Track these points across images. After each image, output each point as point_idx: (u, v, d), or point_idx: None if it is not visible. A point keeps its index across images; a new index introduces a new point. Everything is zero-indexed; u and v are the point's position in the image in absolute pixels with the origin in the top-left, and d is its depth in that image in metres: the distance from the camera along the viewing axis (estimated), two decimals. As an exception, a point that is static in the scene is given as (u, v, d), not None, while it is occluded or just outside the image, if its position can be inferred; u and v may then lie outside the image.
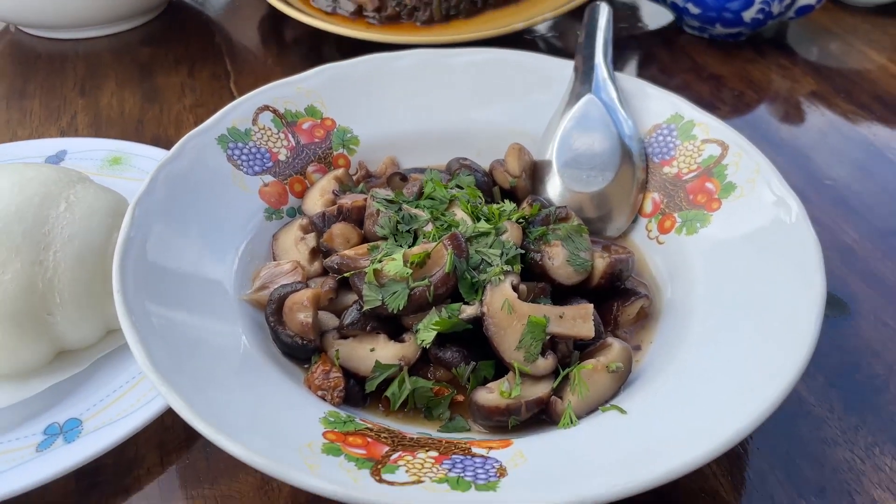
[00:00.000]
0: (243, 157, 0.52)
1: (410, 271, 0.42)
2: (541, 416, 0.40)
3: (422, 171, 0.55)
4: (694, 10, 0.79)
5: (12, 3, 0.72)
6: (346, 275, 0.43)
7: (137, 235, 0.43)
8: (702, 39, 0.83)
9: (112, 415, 0.41)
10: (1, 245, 0.43)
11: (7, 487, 0.38)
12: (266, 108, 0.55)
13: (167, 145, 0.62)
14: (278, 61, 0.76)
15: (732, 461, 0.42)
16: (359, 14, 0.69)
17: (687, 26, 0.84)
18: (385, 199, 0.48)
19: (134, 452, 0.42)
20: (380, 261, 0.44)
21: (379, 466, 0.34)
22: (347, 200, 0.51)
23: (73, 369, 0.44)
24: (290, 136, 0.55)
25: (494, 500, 0.32)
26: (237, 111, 0.54)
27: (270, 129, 0.55)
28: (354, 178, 0.56)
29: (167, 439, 0.42)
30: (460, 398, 0.42)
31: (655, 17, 0.85)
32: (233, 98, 0.71)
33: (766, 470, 0.41)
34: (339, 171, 0.55)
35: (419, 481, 0.33)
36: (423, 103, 0.59)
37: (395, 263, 0.42)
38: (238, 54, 0.78)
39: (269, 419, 0.37)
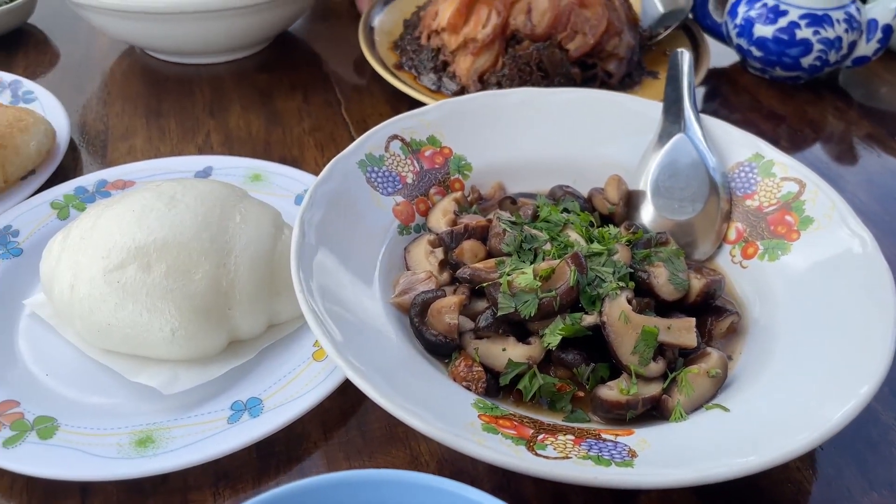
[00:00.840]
0: (379, 180, 0.60)
1: (539, 284, 0.49)
2: (651, 413, 0.48)
3: (528, 195, 0.63)
4: (756, 53, 0.87)
5: (146, 32, 0.80)
6: (483, 285, 0.51)
7: (307, 243, 0.51)
8: (763, 80, 0.90)
9: (287, 395, 0.49)
10: (193, 250, 0.51)
11: (206, 453, 0.45)
12: (395, 137, 0.63)
13: (295, 164, 0.71)
14: (382, 90, 0.84)
15: (811, 457, 0.49)
16: (461, 93, 0.78)
17: (750, 67, 0.91)
18: (509, 221, 0.55)
19: (301, 428, 0.49)
20: (509, 274, 0.51)
21: (531, 444, 0.42)
22: (468, 220, 0.59)
23: (245, 356, 0.52)
24: (415, 161, 0.63)
25: (634, 474, 0.39)
26: (372, 139, 0.62)
27: (399, 156, 0.62)
28: (468, 199, 0.63)
29: (327, 419, 0.50)
30: (580, 394, 0.49)
31: (721, 56, 0.92)
32: (345, 124, 0.79)
33: (842, 465, 0.48)
34: (457, 194, 0.63)
35: (567, 457, 0.41)
36: (527, 135, 0.67)
37: (525, 276, 0.50)
38: (345, 83, 0.86)
39: (434, 401, 0.44)
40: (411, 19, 0.89)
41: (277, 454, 0.48)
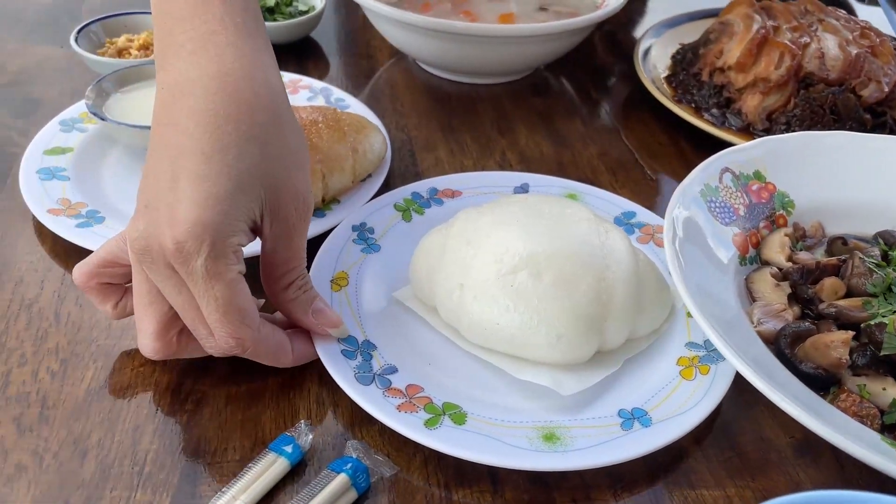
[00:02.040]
0: (717, 210, 0.63)
1: (921, 327, 0.51)
2: None
3: (856, 238, 0.64)
4: None
5: (437, 54, 0.85)
6: (863, 324, 0.53)
7: (681, 261, 0.54)
8: None
9: (670, 409, 0.51)
10: (578, 262, 0.54)
11: (612, 456, 0.48)
12: (727, 169, 0.65)
13: (591, 185, 0.74)
14: (656, 120, 0.87)
15: None
16: (746, 130, 0.80)
17: None
18: (874, 262, 0.57)
19: (677, 441, 0.51)
20: (883, 315, 0.53)
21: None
22: (805, 257, 0.61)
23: (613, 366, 0.55)
24: (744, 195, 0.65)
25: None
26: (707, 171, 0.64)
27: (731, 188, 0.65)
28: (795, 236, 0.65)
29: (699, 434, 0.52)
30: (965, 439, 0.50)
31: None
32: (629, 150, 0.82)
33: None
34: (787, 230, 0.64)
35: None
36: (845, 177, 0.68)
37: (907, 318, 0.51)
38: (618, 111, 0.89)
39: (852, 430, 0.46)
40: (681, 55, 0.92)
41: (661, 465, 0.50)
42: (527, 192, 0.71)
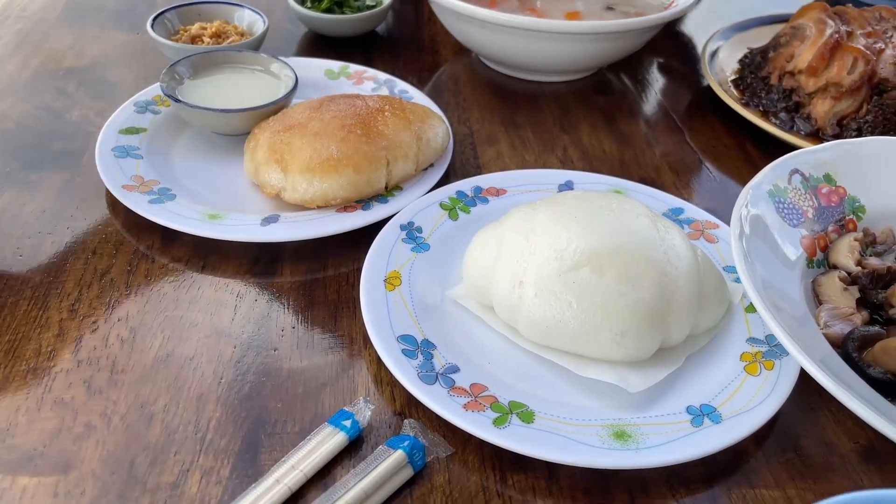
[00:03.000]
0: (785, 211, 0.62)
1: None
2: None
3: (930, 246, 0.62)
4: None
5: (502, 49, 0.85)
6: (938, 329, 0.51)
7: (748, 258, 0.53)
8: None
9: (737, 405, 0.50)
10: (641, 258, 0.54)
11: (685, 453, 0.47)
12: (796, 171, 0.64)
13: (653, 185, 0.73)
14: (721, 122, 0.86)
15: None
16: (815, 135, 0.79)
17: None
18: (950, 270, 0.55)
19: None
20: (960, 322, 0.51)
21: None
22: (874, 262, 0.60)
23: (675, 363, 0.55)
24: (813, 197, 0.64)
25: None
26: (776, 171, 0.63)
27: (800, 190, 0.63)
28: (864, 241, 0.63)
29: (759, 433, 0.51)
30: None
31: None
32: (693, 152, 0.81)
33: None
34: (859, 235, 0.63)
35: None
36: (919, 185, 0.66)
37: None
38: (681, 113, 0.88)
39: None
40: (749, 59, 0.90)
41: (719, 462, 0.50)
42: (571, 188, 0.71)
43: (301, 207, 0.66)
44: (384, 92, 0.82)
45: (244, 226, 0.64)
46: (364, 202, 0.67)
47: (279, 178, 0.67)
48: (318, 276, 0.63)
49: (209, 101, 0.75)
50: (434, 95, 0.87)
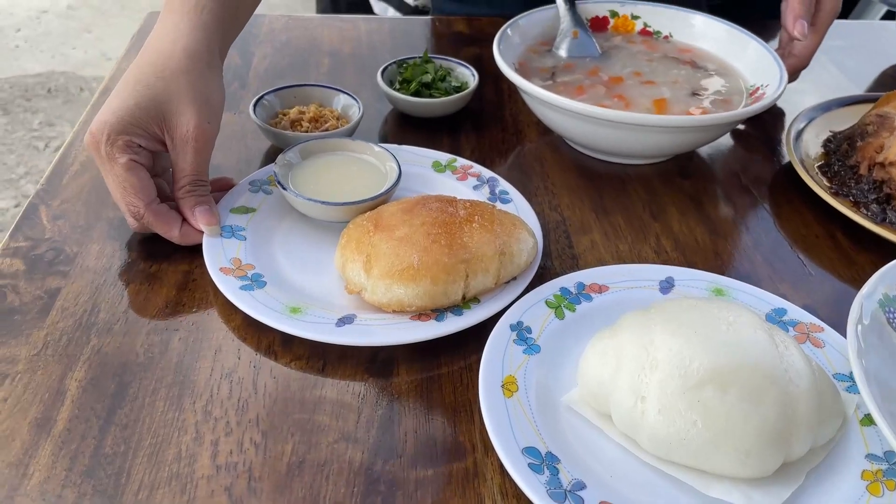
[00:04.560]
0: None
1: None
2: None
3: None
4: None
5: (590, 136, 0.88)
6: None
7: (866, 375, 0.54)
8: None
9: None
10: (762, 374, 0.55)
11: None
12: (903, 281, 0.65)
13: (748, 280, 0.74)
14: (809, 208, 0.87)
15: None
16: None
17: None
18: None
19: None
20: None
21: None
22: None
23: (797, 479, 0.56)
24: (920, 306, 0.65)
25: None
26: (885, 279, 0.64)
27: (907, 300, 0.64)
28: (973, 350, 0.64)
29: (886, 559, 0.52)
30: None
31: None
32: (784, 241, 0.82)
33: None
34: (967, 344, 0.63)
35: None
36: None
37: None
38: (767, 197, 0.89)
39: None
40: (834, 144, 0.92)
41: (849, 587, 0.51)
42: (672, 285, 0.72)
43: (379, 309, 0.69)
44: (485, 191, 0.83)
45: (320, 324, 0.66)
46: (439, 311, 0.69)
47: (362, 278, 0.69)
48: (433, 373, 0.66)
49: (316, 186, 0.79)
50: (523, 180, 0.90)
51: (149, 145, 0.73)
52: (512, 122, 1.01)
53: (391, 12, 2.05)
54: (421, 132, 0.98)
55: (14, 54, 3.88)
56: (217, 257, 0.73)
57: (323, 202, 0.76)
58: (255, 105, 0.91)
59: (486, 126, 1.00)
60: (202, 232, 0.75)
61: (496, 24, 1.23)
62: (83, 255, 0.75)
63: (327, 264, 0.75)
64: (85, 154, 0.88)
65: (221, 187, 0.84)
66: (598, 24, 1.06)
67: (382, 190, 0.78)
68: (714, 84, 0.95)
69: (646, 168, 0.93)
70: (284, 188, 0.77)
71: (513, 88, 1.03)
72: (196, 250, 0.75)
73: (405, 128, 0.99)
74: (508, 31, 0.97)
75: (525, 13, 1.01)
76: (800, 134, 0.94)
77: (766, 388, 0.55)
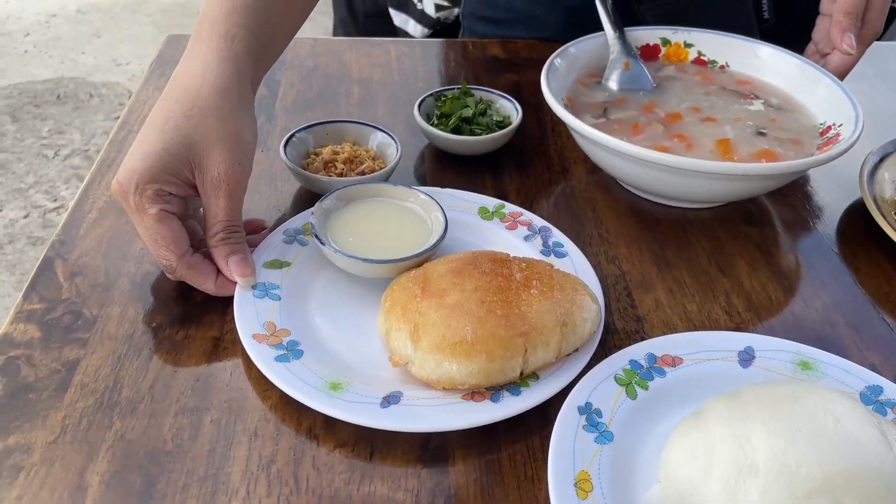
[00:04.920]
0: None
1: None
2: None
3: None
4: None
5: (647, 181, 0.81)
6: None
7: None
8: None
9: None
10: (880, 482, 0.48)
11: None
12: None
13: (834, 350, 0.67)
14: (890, 264, 0.80)
15: None
16: None
17: None
18: None
19: None
20: None
21: None
22: None
23: None
24: None
25: None
26: None
27: None
28: None
29: None
30: None
31: None
32: (866, 301, 0.75)
33: None
34: None
35: None
36: None
37: None
38: (843, 250, 0.82)
39: None
40: (913, 186, 0.85)
41: None
42: (752, 357, 0.65)
43: (427, 385, 0.62)
44: (537, 242, 0.76)
45: (364, 404, 0.60)
46: (494, 390, 0.62)
47: (409, 350, 0.63)
48: (493, 459, 0.59)
49: (356, 239, 0.73)
50: (575, 226, 0.83)
51: (180, 192, 0.68)
52: (557, 158, 0.95)
53: (412, 24, 1.98)
54: (461, 170, 0.91)
55: (23, 60, 3.83)
56: (250, 322, 0.66)
57: (364, 259, 0.70)
58: (285, 144, 0.85)
59: (531, 162, 0.93)
60: (234, 285, 0.70)
61: (532, 47, 1.17)
62: (103, 320, 0.68)
63: (369, 327, 0.69)
64: (103, 199, 0.82)
65: (254, 230, 0.78)
66: (649, 53, 0.99)
67: (428, 245, 0.71)
68: (780, 121, 0.88)
69: (705, 212, 0.86)
70: (322, 243, 0.71)
71: (556, 120, 0.96)
72: (228, 308, 0.69)
73: (444, 165, 0.92)
74: (556, 61, 0.90)
75: (574, 42, 0.94)
76: (874, 171, 0.87)
77: (886, 497, 0.48)
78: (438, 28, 1.95)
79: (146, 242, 0.68)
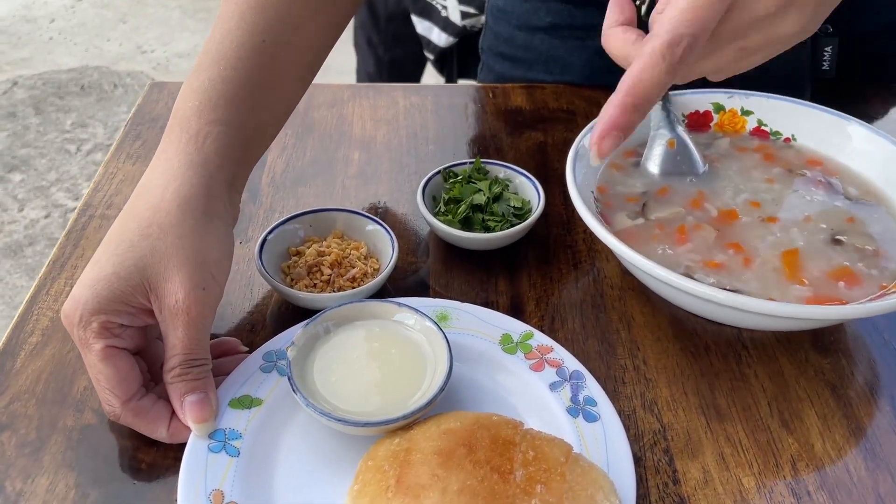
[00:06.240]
0: None
1: None
2: None
3: None
4: None
5: (692, 306, 0.66)
6: None
7: None
8: None
9: None
10: None
11: None
12: None
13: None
14: None
15: None
16: None
17: None
18: None
19: None
20: None
21: None
22: None
23: None
24: None
25: None
26: None
27: None
28: None
29: None
30: None
31: None
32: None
33: None
34: None
35: None
36: None
37: None
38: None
39: None
40: None
41: None
42: (849, 577, 0.51)
43: None
44: (565, 395, 0.61)
45: None
46: None
47: None
48: None
49: (340, 381, 0.61)
50: (605, 354, 0.69)
51: (133, 321, 0.59)
52: (586, 251, 0.80)
53: (436, 32, 1.82)
54: (471, 267, 0.77)
55: (48, 47, 3.75)
56: (194, 490, 0.54)
57: (340, 420, 0.58)
58: (261, 247, 0.72)
59: (554, 257, 0.79)
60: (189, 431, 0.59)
61: (561, 95, 1.02)
62: (27, 498, 0.57)
63: (339, 497, 0.56)
64: (48, 316, 0.70)
65: (226, 352, 0.66)
66: (699, 122, 0.83)
67: (420, 405, 0.58)
68: (860, 222, 0.72)
69: (766, 334, 0.71)
70: (295, 390, 0.58)
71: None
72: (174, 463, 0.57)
73: (451, 260, 0.78)
74: (585, 143, 0.75)
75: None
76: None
77: None
78: (464, 36, 1.80)
79: (92, 380, 0.58)
